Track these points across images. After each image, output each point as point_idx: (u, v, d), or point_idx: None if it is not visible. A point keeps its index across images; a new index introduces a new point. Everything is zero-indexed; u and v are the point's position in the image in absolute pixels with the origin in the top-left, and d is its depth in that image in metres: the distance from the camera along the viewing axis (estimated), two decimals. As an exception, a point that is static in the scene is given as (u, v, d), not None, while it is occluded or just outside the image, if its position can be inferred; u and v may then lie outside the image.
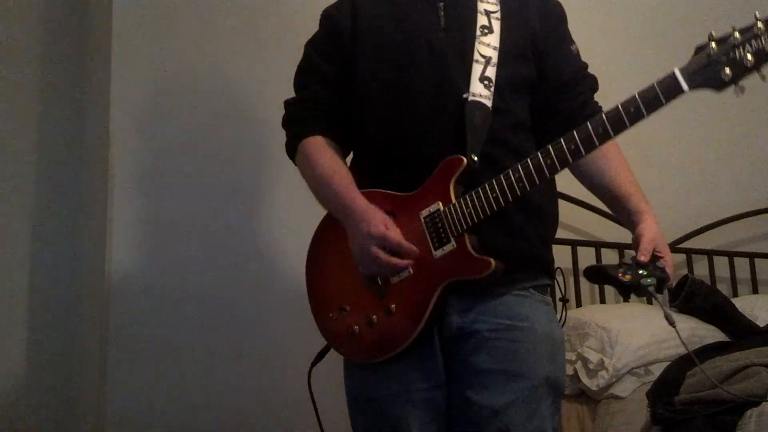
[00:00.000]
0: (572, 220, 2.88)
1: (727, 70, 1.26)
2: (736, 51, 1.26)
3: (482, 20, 1.59)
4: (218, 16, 2.54)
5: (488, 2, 1.62)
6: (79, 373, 2.40)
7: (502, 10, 1.62)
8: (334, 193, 1.57)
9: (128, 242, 2.29)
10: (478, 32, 1.57)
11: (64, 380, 2.43)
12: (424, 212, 1.49)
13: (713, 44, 1.28)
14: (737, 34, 1.26)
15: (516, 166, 1.42)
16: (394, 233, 1.47)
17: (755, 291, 3.27)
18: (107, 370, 2.19)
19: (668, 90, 1.30)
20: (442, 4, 1.61)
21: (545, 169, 1.40)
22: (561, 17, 1.69)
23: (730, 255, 3.29)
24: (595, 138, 1.36)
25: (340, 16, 1.68)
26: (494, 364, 1.46)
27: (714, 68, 1.27)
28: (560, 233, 1.69)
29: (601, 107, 1.65)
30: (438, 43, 1.58)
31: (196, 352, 2.30)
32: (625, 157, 1.63)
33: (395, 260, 1.46)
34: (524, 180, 1.41)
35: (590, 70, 1.70)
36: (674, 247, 3.20)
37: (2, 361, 2.38)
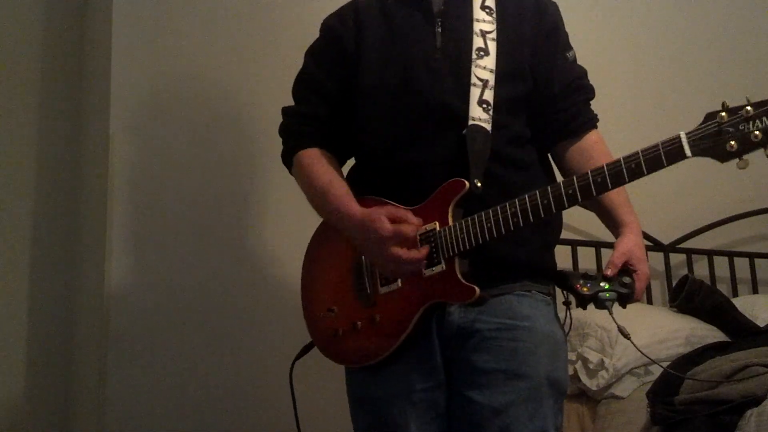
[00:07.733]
0: (572, 220, 2.86)
1: (733, 143, 1.24)
2: (746, 125, 1.24)
3: (478, 42, 1.58)
4: (217, 18, 2.54)
5: (484, 21, 1.61)
6: (79, 376, 2.40)
7: (498, 27, 1.60)
8: (331, 205, 1.58)
9: (127, 245, 2.28)
10: (474, 55, 1.56)
11: (63, 383, 2.43)
12: (420, 230, 1.48)
13: (724, 114, 1.26)
14: (749, 108, 1.24)
15: (513, 201, 1.42)
16: (402, 220, 1.46)
17: (755, 291, 3.26)
18: (107, 373, 2.19)
19: (671, 154, 1.29)
20: (439, 20, 1.61)
21: (540, 208, 1.40)
22: (555, 23, 1.67)
23: (730, 255, 3.29)
24: (593, 187, 1.36)
25: (343, 30, 1.67)
26: (495, 363, 1.46)
27: (720, 139, 1.26)
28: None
29: (595, 115, 1.66)
30: (435, 65, 1.57)
31: (194, 355, 2.30)
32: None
33: (415, 254, 1.45)
34: (519, 216, 1.41)
35: (587, 66, 1.68)
36: (674, 247, 3.21)
37: (2, 364, 2.37)
